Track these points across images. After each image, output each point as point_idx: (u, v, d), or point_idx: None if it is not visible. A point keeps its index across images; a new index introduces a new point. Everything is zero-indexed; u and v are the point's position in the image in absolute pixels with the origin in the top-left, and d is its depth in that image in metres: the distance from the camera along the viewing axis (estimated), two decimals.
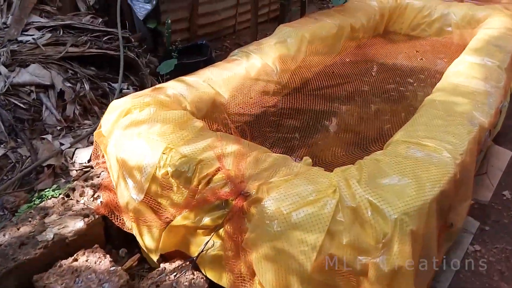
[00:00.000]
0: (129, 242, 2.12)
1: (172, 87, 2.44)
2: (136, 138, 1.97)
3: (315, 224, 1.59)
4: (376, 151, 2.06)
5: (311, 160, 1.95)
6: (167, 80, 3.68)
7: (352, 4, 4.40)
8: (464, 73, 2.89)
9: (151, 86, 3.36)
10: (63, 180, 2.41)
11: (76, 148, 2.58)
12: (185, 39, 4.50)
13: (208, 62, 3.69)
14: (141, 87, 3.36)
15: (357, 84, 3.22)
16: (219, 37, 5.01)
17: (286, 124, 2.59)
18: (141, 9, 3.87)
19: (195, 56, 4.03)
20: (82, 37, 3.25)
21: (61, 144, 2.62)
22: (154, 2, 3.82)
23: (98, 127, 2.24)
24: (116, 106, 2.21)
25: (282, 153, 2.04)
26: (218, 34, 4.98)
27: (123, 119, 2.11)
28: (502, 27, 3.80)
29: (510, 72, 3.16)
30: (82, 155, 2.54)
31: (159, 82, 3.61)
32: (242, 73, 2.79)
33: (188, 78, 2.58)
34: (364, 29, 4.16)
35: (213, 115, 2.42)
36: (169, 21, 3.72)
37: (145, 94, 2.27)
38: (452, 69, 3.04)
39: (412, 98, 3.23)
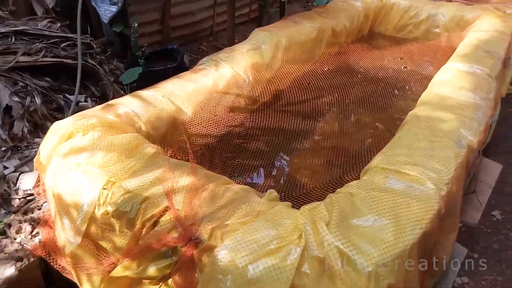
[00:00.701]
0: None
1: (126, 104, 2.18)
2: (74, 170, 1.70)
3: (275, 279, 1.34)
4: (355, 175, 1.83)
5: (276, 194, 1.70)
6: (133, 89, 3.44)
7: (335, 4, 4.15)
8: (451, 83, 2.65)
9: (113, 98, 3.11)
10: (3, 211, 2.13)
11: (21, 173, 2.31)
12: (156, 43, 4.22)
13: (179, 68, 3.42)
14: (102, 98, 3.08)
15: (336, 97, 2.97)
16: (195, 40, 4.73)
17: (253, 147, 2.33)
18: (106, 11, 3.58)
19: (167, 61, 3.75)
20: (37, 44, 2.95)
21: (5, 167, 2.34)
22: (120, 4, 3.53)
23: (37, 153, 1.97)
24: (57, 129, 1.94)
25: (245, 184, 1.79)
26: (194, 37, 4.69)
27: (63, 145, 1.84)
28: (492, 30, 3.57)
29: (500, 80, 2.94)
30: (27, 181, 2.26)
31: (125, 92, 3.34)
32: (209, 85, 2.52)
33: (145, 93, 2.31)
34: (346, 31, 3.91)
35: (173, 136, 2.16)
36: (136, 25, 3.44)
37: (91, 115, 1.99)
38: (439, 77, 2.81)
39: (396, 110, 2.99)
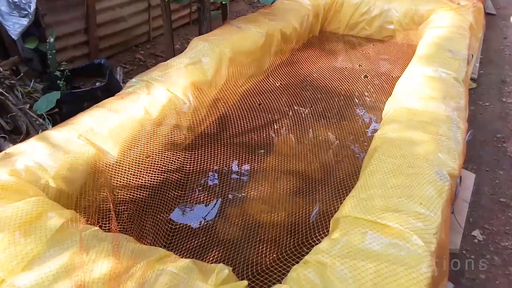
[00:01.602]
0: None
1: (26, 153, 1.69)
2: None
3: None
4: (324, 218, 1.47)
5: (228, 271, 1.30)
6: (55, 117, 2.91)
7: (282, 4, 3.77)
8: (418, 92, 2.36)
9: (28, 131, 2.58)
10: None
11: None
12: (84, 56, 3.68)
13: (108, 87, 2.93)
14: (14, 132, 2.55)
15: (290, 118, 2.60)
16: (130, 48, 4.21)
17: (196, 197, 1.91)
18: (15, 25, 3.00)
19: (95, 78, 3.24)
20: None
21: None
22: (31, 15, 2.97)
23: None
24: None
25: (189, 250, 1.38)
26: (128, 45, 4.18)
27: None
28: (450, 25, 3.34)
29: (466, 85, 2.70)
30: None
31: (44, 121, 2.81)
32: (139, 115, 2.07)
33: (55, 134, 1.83)
34: (297, 34, 3.55)
35: (94, 190, 1.71)
36: (52, 39, 2.90)
37: None
38: (402, 84, 2.52)
39: (360, 127, 2.67)
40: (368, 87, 3.01)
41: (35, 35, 3.12)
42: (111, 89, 2.82)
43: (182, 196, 1.84)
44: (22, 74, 2.92)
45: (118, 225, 1.43)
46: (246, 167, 2.18)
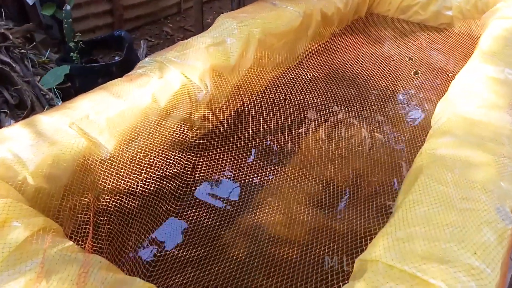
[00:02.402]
0: None
1: (8, 141, 1.46)
2: None
3: None
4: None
5: None
6: (66, 92, 2.70)
7: None
8: (478, 96, 1.96)
9: (33, 107, 2.38)
10: None
11: None
12: (107, 26, 3.43)
13: (125, 63, 2.67)
14: (19, 107, 2.35)
15: (320, 119, 2.25)
16: (158, 20, 3.93)
17: (193, 215, 1.60)
18: None
19: (114, 52, 2.99)
20: None
21: None
22: None
23: None
24: None
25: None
26: (156, 16, 3.90)
27: None
28: None
29: None
30: None
31: (55, 95, 2.60)
32: (146, 103, 1.80)
33: (45, 119, 1.59)
34: (340, 15, 3.15)
35: (81, 188, 1.46)
36: (69, 7, 2.65)
37: None
38: (459, 86, 2.12)
39: (404, 132, 2.30)
40: (418, 85, 2.60)
41: (53, 1, 2.89)
42: (129, 66, 2.55)
43: (176, 212, 1.55)
44: (35, 42, 2.70)
45: (95, 242, 1.18)
46: (260, 176, 1.87)
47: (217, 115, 2.00)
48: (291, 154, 2.11)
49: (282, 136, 2.08)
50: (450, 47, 3.07)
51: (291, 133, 2.12)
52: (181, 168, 1.62)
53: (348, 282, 1.21)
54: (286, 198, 1.93)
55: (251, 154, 1.95)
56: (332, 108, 2.36)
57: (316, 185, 2.01)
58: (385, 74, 2.67)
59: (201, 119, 1.98)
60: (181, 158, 1.64)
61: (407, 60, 2.91)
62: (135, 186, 1.46)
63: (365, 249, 1.66)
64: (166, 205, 1.48)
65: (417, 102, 2.47)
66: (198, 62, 2.09)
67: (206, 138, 1.90)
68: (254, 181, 1.88)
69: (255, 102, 2.13)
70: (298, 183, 1.99)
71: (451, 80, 2.28)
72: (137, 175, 1.50)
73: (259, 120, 2.03)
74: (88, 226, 1.21)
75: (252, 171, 1.87)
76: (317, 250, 1.69)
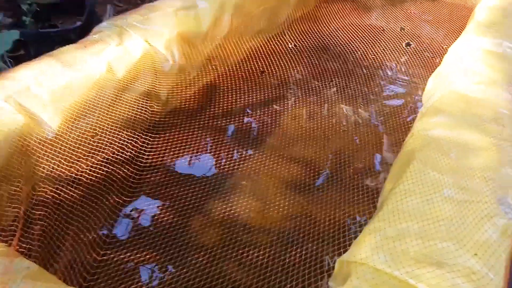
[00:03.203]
0: None
1: None
2: None
3: None
4: None
5: None
6: (24, 59, 2.41)
7: None
8: (474, 72, 1.78)
9: None
10: None
11: None
12: None
13: (85, 30, 2.39)
14: None
15: (299, 96, 2.04)
16: None
17: (146, 209, 1.37)
18: None
19: (76, 17, 2.70)
20: None
21: None
22: None
23: None
24: None
25: None
26: None
27: None
28: None
29: None
30: None
31: (11, 66, 2.32)
32: (99, 73, 1.56)
33: None
34: None
35: (18, 171, 1.23)
36: None
37: None
38: (453, 60, 1.93)
39: (394, 110, 2.11)
40: (409, 58, 2.39)
41: None
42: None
43: (125, 205, 1.33)
44: None
45: (23, 242, 0.97)
46: (233, 158, 1.67)
47: (186, 89, 1.77)
48: (268, 133, 1.91)
49: (259, 113, 1.87)
50: (442, 18, 2.86)
51: (268, 110, 1.91)
52: (136, 152, 1.39)
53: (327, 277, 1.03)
54: (262, 182, 1.74)
55: (222, 134, 1.74)
56: (314, 82, 2.15)
57: (295, 167, 1.83)
58: (373, 45, 2.46)
59: (167, 93, 1.75)
60: (138, 139, 1.42)
61: (399, 30, 2.70)
62: (79, 173, 1.24)
63: (348, 240, 1.51)
64: (113, 197, 1.26)
65: (408, 77, 2.28)
66: (164, 28, 1.84)
67: (172, 116, 1.68)
68: (226, 163, 1.68)
69: (229, 75, 1.91)
70: (276, 165, 1.80)
71: (444, 54, 2.09)
72: (83, 159, 1.28)
73: (233, 95, 1.81)
74: (17, 222, 0.99)
75: (225, 152, 1.66)
76: (295, 239, 1.52)
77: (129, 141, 1.37)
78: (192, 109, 1.71)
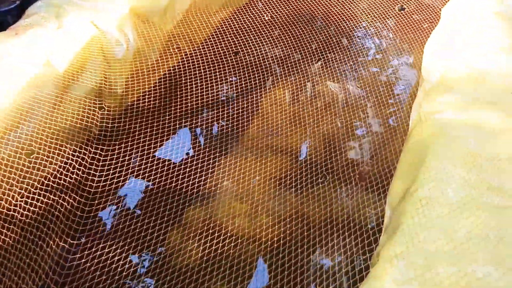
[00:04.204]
0: None
1: None
2: None
3: None
4: None
5: None
6: None
7: None
8: (480, 38, 1.54)
9: None
10: None
11: None
12: None
13: (22, 12, 2.03)
14: None
15: (279, 76, 1.77)
16: None
17: (101, 250, 1.07)
18: None
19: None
20: None
21: None
22: None
23: None
24: None
25: None
26: None
27: None
28: None
29: None
30: None
31: None
32: (35, 69, 1.25)
33: None
34: None
35: None
36: None
37: None
38: (451, 26, 1.68)
39: (388, 85, 1.86)
40: (403, 25, 2.12)
41: None
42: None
43: (72, 251, 1.03)
44: None
45: None
46: (210, 156, 1.40)
47: (145, 79, 1.48)
48: (247, 122, 1.64)
49: (236, 102, 1.60)
50: None
51: (246, 96, 1.64)
52: (83, 172, 1.09)
53: None
54: (245, 180, 1.50)
55: (195, 131, 1.46)
56: (295, 58, 1.88)
57: (282, 160, 1.58)
58: (362, 12, 2.18)
59: (123, 86, 1.45)
60: (86, 153, 1.11)
61: None
62: (11, 208, 0.95)
63: (353, 249, 1.30)
64: (57, 241, 0.96)
65: (403, 47, 2.03)
66: (113, 5, 1.52)
67: (129, 117, 1.38)
68: (202, 165, 1.42)
69: (196, 57, 1.61)
70: (260, 159, 1.55)
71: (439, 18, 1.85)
72: (16, 188, 0.98)
73: (203, 82, 1.52)
74: None
75: (199, 152, 1.40)
76: (290, 248, 1.30)
77: (76, 157, 1.07)
78: (155, 103, 1.42)
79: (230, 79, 1.62)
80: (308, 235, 1.33)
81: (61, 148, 1.03)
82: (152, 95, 1.42)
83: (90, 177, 1.06)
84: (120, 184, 1.13)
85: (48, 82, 1.24)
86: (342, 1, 2.21)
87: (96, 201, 1.06)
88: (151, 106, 1.39)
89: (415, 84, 1.84)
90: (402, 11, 2.15)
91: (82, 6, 1.47)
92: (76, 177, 0.99)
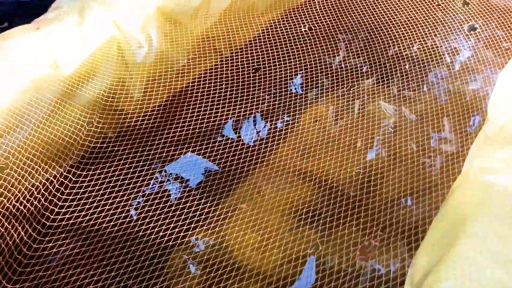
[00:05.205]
0: None
1: None
2: None
3: None
4: None
5: None
6: None
7: None
8: None
9: None
10: None
11: None
12: None
13: (39, 4, 1.99)
14: None
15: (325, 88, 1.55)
16: None
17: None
18: None
19: None
20: None
21: None
22: None
23: None
24: None
25: None
26: None
27: None
28: None
29: None
30: None
31: None
32: (39, 69, 1.18)
33: None
34: None
35: None
36: None
37: None
38: None
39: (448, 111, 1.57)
40: (474, 45, 1.78)
41: None
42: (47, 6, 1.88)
43: None
44: None
45: None
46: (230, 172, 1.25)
47: (167, 86, 1.36)
48: (278, 139, 1.47)
49: (269, 116, 1.44)
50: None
51: (282, 107, 1.47)
52: (46, 200, 0.96)
53: None
54: (263, 206, 1.34)
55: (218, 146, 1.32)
56: (343, 72, 1.65)
57: (311, 187, 1.40)
58: (421, 21, 1.88)
59: (141, 92, 1.35)
60: (56, 179, 0.99)
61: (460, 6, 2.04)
62: None
63: None
64: None
65: (472, 69, 1.70)
66: (139, 2, 1.41)
67: (145, 128, 1.27)
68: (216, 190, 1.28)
69: (230, 65, 1.46)
70: (284, 183, 1.38)
71: None
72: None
73: (237, 93, 1.37)
74: None
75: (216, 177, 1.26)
76: None
77: (41, 182, 0.96)
78: (176, 112, 1.29)
79: (269, 89, 1.45)
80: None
81: (35, 167, 0.94)
82: (175, 104, 1.29)
83: (48, 209, 0.93)
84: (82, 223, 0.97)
85: (46, 87, 1.16)
86: (399, 11, 1.92)
87: (45, 241, 0.92)
88: (172, 113, 1.26)
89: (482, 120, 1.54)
90: (466, 7, 1.81)
91: (107, 2, 1.38)
92: (35, 206, 0.88)
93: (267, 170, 1.44)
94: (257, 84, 1.57)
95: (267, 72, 1.58)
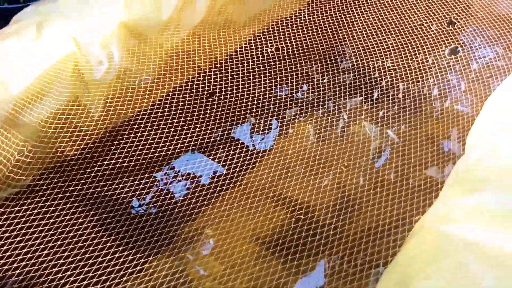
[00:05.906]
0: None
1: None
2: None
3: None
4: None
5: None
6: None
7: None
8: None
9: None
10: None
11: None
12: None
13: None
14: None
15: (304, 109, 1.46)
16: None
17: None
18: None
19: None
20: None
21: None
22: None
23: None
24: None
25: None
26: None
27: None
28: None
29: None
30: None
31: None
32: None
33: None
34: None
35: None
36: None
37: None
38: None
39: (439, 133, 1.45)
40: (456, 68, 1.65)
41: None
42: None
43: None
44: None
45: None
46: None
47: (130, 106, 1.30)
48: (253, 160, 1.39)
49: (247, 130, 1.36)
50: None
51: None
52: None
53: None
54: (233, 235, 1.25)
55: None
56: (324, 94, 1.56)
57: (285, 213, 1.30)
58: (410, 44, 1.75)
59: (101, 112, 1.28)
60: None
61: (445, 25, 1.85)
62: None
63: None
64: None
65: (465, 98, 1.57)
66: (105, 14, 1.35)
67: (99, 153, 1.21)
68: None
69: (208, 81, 1.39)
70: (258, 209, 1.29)
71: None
72: None
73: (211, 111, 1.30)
74: None
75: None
76: None
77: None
78: (138, 133, 1.21)
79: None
80: None
81: None
82: (139, 124, 1.23)
83: None
84: None
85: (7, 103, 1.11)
86: (381, 29, 1.81)
87: None
88: (134, 135, 1.20)
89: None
90: (452, 27, 1.68)
91: (69, 16, 1.32)
92: None
93: (238, 193, 1.36)
94: (233, 102, 1.49)
95: (245, 90, 1.50)
